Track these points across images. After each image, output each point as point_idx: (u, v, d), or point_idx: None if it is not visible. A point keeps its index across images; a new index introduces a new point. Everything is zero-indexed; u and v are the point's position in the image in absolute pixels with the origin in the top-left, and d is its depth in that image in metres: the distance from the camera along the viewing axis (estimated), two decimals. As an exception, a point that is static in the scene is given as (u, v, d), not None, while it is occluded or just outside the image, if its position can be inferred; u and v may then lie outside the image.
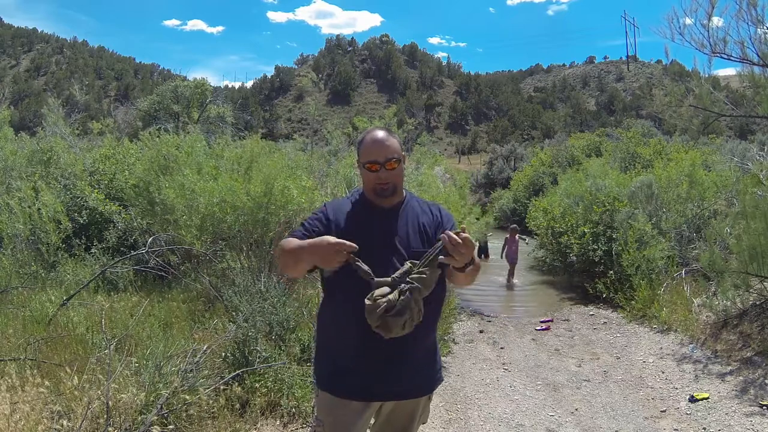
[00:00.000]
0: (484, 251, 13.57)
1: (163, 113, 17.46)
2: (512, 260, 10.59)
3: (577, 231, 8.88)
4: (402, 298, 1.71)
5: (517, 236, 10.82)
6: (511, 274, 10.64)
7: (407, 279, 1.74)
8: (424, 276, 1.75)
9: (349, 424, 1.91)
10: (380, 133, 1.96)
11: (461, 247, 1.67)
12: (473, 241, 1.74)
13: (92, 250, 6.38)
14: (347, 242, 1.70)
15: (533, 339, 6.37)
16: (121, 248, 6.67)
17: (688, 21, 5.72)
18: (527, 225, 12.65)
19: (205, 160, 6.41)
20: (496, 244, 14.50)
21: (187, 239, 5.52)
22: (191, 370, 3.20)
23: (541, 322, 7.22)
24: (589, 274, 8.48)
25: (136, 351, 3.54)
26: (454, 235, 1.67)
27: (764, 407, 3.89)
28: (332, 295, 1.97)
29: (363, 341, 1.85)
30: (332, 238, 1.72)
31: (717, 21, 5.77)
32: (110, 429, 2.64)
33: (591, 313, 7.53)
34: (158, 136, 7.51)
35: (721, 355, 4.93)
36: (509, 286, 10.39)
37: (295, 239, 1.87)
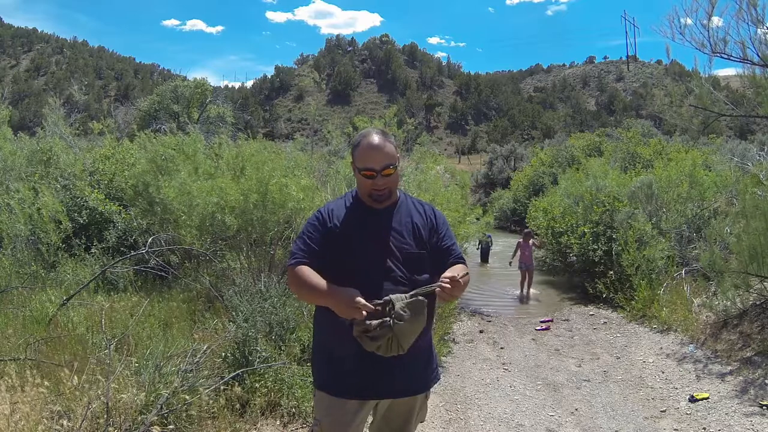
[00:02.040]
0: (484, 255, 13.04)
1: (163, 113, 17.45)
2: (526, 267, 9.36)
3: (577, 231, 8.88)
4: (379, 329, 1.80)
5: (531, 241, 9.67)
6: (528, 284, 9.37)
7: (392, 315, 1.82)
8: (403, 322, 1.81)
9: (346, 422, 1.93)
10: (376, 139, 1.94)
11: (455, 291, 1.84)
12: (466, 280, 1.92)
13: (92, 250, 6.37)
14: (368, 305, 1.77)
15: (533, 339, 6.37)
16: (121, 248, 6.67)
17: (688, 21, 5.71)
18: (527, 225, 12.62)
19: (204, 160, 6.41)
20: (501, 247, 14.09)
21: (187, 239, 5.52)
22: (191, 370, 3.20)
23: (541, 322, 7.23)
24: (589, 274, 8.48)
25: (136, 351, 3.54)
26: (449, 285, 1.82)
27: (764, 407, 3.89)
28: None
29: (358, 341, 1.87)
30: (356, 298, 1.78)
31: (717, 21, 5.76)
32: (110, 429, 2.64)
33: (591, 313, 7.53)
34: (155, 138, 7.51)
35: (721, 355, 4.93)
36: (523, 298, 9.18)
37: (311, 274, 1.90)
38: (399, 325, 1.80)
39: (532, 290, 9.42)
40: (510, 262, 9.88)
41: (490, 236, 13.23)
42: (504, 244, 14.64)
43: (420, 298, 1.85)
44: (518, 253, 9.63)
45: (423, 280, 1.98)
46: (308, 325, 4.22)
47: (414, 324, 1.84)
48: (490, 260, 13.24)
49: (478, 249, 12.90)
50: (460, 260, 2.04)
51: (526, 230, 10.26)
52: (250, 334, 3.65)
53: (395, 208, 2.02)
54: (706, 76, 6.01)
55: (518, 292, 9.42)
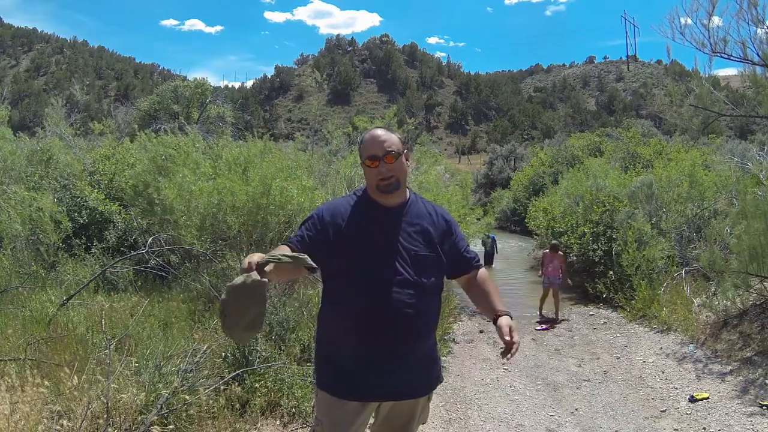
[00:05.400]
0: (489, 257, 12.48)
1: (163, 113, 17.43)
2: (550, 283, 7.68)
3: (577, 231, 8.88)
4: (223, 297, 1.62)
5: (559, 253, 7.90)
6: (554, 304, 7.59)
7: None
8: (224, 296, 1.58)
9: (347, 423, 1.91)
10: (378, 131, 1.97)
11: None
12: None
13: (92, 250, 6.37)
14: (249, 259, 1.61)
15: (533, 339, 6.38)
16: (121, 248, 6.67)
17: (688, 21, 5.73)
18: (527, 225, 12.60)
19: (203, 160, 6.41)
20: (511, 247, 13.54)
21: (187, 239, 5.52)
22: (191, 370, 3.20)
23: (542, 322, 7.22)
24: (589, 274, 8.48)
25: (136, 351, 3.53)
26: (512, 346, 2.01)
27: (764, 407, 3.89)
28: (332, 298, 1.97)
29: (361, 343, 1.87)
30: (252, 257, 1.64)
31: (717, 21, 5.77)
32: (110, 429, 2.64)
33: (591, 313, 7.53)
34: (155, 138, 7.52)
35: (721, 355, 4.93)
36: (548, 320, 7.41)
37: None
38: (222, 299, 1.59)
39: (559, 316, 7.53)
40: (543, 280, 7.97)
41: (494, 237, 12.82)
42: (504, 246, 14.55)
43: (256, 278, 1.53)
44: (543, 268, 7.92)
45: (430, 283, 1.93)
46: (308, 324, 4.22)
47: (235, 305, 1.54)
48: (495, 263, 12.78)
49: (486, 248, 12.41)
50: (479, 264, 2.12)
51: (553, 242, 8.48)
52: (250, 334, 3.64)
53: (405, 208, 1.96)
54: (706, 75, 6.03)
55: (537, 312, 7.78)
